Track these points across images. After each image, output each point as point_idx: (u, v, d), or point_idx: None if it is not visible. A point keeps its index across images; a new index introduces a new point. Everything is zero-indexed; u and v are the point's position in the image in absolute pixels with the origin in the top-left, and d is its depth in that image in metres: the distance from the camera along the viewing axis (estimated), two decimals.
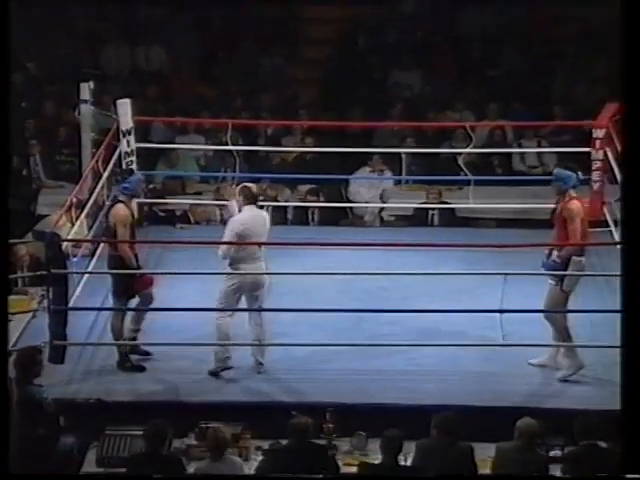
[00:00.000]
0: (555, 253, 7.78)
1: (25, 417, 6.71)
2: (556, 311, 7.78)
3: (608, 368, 7.75)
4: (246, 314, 7.84)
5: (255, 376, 7.81)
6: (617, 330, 7.84)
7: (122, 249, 7.82)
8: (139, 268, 7.99)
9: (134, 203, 8.21)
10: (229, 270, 7.75)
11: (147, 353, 8.04)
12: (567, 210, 7.77)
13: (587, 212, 7.95)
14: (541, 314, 7.81)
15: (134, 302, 7.98)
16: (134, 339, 8.00)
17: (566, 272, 7.75)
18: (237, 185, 8.17)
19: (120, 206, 7.93)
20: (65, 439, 6.95)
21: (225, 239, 7.77)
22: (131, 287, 7.90)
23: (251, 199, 7.88)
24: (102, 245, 9.39)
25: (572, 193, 7.86)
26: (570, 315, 7.82)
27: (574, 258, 7.75)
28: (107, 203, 8.46)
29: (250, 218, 7.83)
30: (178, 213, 11.19)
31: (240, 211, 7.87)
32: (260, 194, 10.53)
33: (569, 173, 7.93)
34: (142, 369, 7.90)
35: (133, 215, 8.03)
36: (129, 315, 8.00)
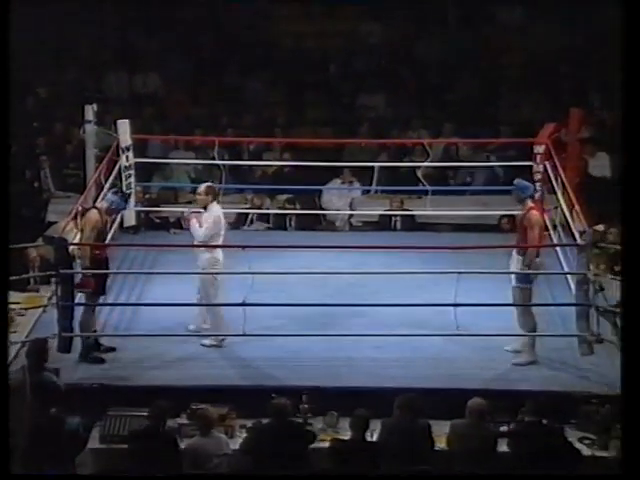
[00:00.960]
0: (520, 260, 7.81)
1: (38, 399, 6.67)
2: (512, 304, 7.82)
3: (547, 354, 7.81)
4: None
5: (240, 363, 7.78)
6: (568, 320, 7.92)
7: (83, 249, 7.72)
8: (107, 269, 7.91)
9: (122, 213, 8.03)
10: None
11: (112, 349, 7.92)
12: (527, 219, 7.83)
13: (544, 220, 7.97)
14: (515, 320, 7.84)
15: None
16: (97, 340, 7.90)
17: (516, 271, 7.82)
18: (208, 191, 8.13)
19: (93, 211, 7.85)
20: (71, 419, 6.92)
21: (208, 226, 7.93)
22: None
23: (216, 197, 8.13)
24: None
25: (529, 203, 7.88)
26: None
27: (535, 260, 7.78)
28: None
29: (220, 212, 8.07)
30: (172, 220, 11.14)
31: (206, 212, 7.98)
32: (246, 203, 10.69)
33: (527, 184, 7.98)
34: (102, 361, 7.77)
35: (105, 223, 7.91)
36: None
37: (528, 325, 7.84)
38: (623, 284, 5.82)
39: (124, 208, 8.11)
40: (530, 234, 7.80)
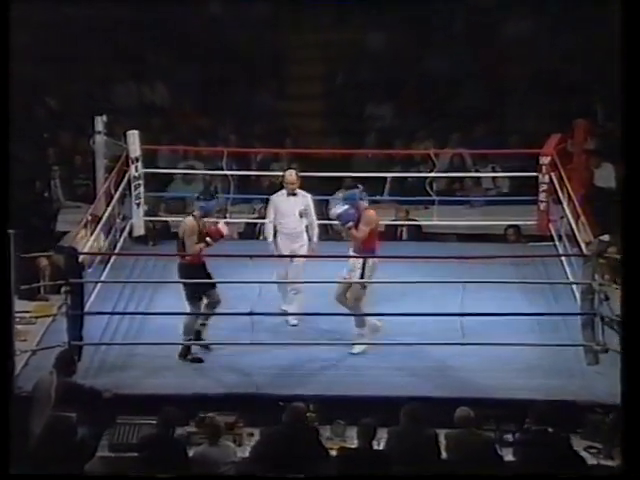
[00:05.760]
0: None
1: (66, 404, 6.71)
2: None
3: (553, 364, 7.82)
4: None
5: (247, 372, 7.81)
6: (560, 330, 7.96)
7: (193, 251, 7.78)
8: (208, 275, 7.93)
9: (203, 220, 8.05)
10: None
11: (206, 347, 8.02)
12: (362, 218, 7.94)
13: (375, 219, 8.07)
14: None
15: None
16: (200, 332, 7.97)
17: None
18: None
19: (189, 218, 7.92)
20: (81, 428, 6.94)
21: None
22: (199, 291, 7.89)
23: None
24: (113, 257, 9.45)
25: (365, 204, 8.00)
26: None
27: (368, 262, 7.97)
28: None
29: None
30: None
31: None
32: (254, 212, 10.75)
33: (352, 192, 8.06)
34: (201, 361, 7.88)
35: (199, 227, 7.93)
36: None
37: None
38: (623, 294, 5.84)
39: (214, 208, 8.10)
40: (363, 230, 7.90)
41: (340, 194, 8.10)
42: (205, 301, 7.99)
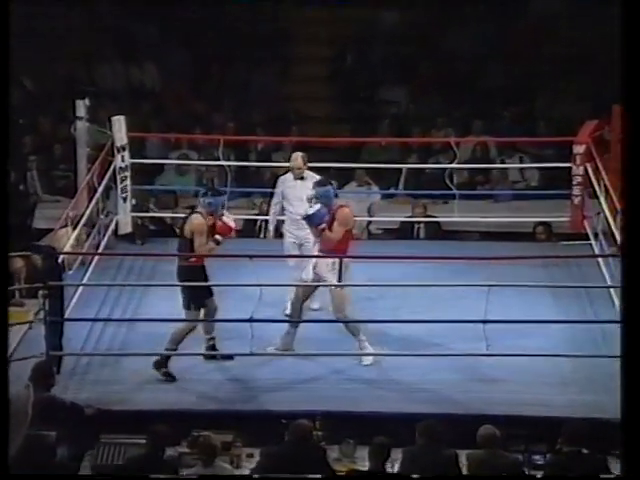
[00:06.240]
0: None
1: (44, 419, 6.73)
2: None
3: (588, 377, 7.81)
4: None
5: (246, 385, 7.82)
6: (596, 340, 7.96)
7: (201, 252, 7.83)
8: (206, 278, 7.97)
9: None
10: None
11: (230, 357, 8.07)
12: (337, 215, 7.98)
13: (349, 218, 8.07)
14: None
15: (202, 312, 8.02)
16: (213, 346, 8.05)
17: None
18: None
19: (197, 216, 7.95)
20: (61, 447, 6.95)
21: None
22: (202, 297, 7.92)
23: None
24: (97, 257, 9.47)
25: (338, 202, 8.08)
26: None
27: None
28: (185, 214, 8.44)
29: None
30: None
31: None
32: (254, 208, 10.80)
33: (325, 189, 8.04)
34: (231, 358, 7.98)
35: (209, 225, 7.97)
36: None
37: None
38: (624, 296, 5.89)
39: (222, 204, 8.12)
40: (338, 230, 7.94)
41: (311, 191, 8.11)
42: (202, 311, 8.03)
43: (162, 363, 7.88)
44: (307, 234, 8.56)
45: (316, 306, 8.67)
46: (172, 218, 11.13)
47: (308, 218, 8.03)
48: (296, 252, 8.79)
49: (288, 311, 8.41)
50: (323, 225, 7.99)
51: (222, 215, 8.01)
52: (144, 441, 6.72)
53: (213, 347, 8.09)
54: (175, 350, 7.90)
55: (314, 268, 8.11)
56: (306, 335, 8.20)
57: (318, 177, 8.68)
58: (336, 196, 8.16)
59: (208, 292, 7.97)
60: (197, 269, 7.93)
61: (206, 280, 7.95)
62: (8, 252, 6.44)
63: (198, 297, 7.93)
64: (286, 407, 7.47)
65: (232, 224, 7.99)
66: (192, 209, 8.18)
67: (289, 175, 8.93)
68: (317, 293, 8.38)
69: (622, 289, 5.97)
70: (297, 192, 8.75)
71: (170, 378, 7.87)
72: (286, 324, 8.12)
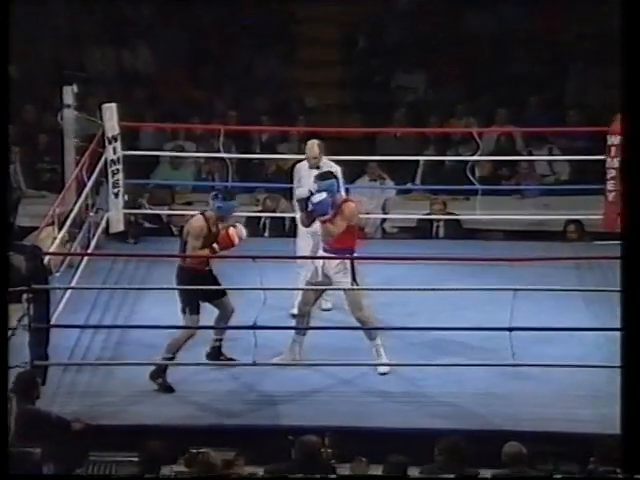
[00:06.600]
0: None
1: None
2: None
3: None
4: None
5: (249, 398, 7.83)
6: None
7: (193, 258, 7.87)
8: (214, 280, 7.99)
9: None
10: None
11: (231, 359, 8.10)
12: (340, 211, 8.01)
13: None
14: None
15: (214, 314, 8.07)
16: (219, 348, 8.09)
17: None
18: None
19: (198, 217, 7.95)
20: (46, 465, 6.95)
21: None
22: (201, 298, 7.93)
23: None
24: (86, 258, 9.48)
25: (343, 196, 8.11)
26: None
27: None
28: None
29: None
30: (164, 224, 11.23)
31: None
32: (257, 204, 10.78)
33: (328, 182, 8.05)
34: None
35: (210, 230, 7.96)
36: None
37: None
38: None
39: (232, 210, 8.15)
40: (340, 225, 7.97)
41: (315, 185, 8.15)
42: (216, 313, 8.05)
43: (159, 373, 7.88)
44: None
45: (328, 306, 8.65)
46: (169, 215, 11.15)
47: (313, 205, 8.02)
48: (310, 247, 8.77)
49: (295, 310, 8.42)
50: (326, 217, 8.00)
51: (233, 225, 7.99)
52: (137, 459, 6.73)
53: (219, 349, 8.09)
54: (172, 359, 7.90)
55: (323, 268, 8.10)
56: (315, 341, 8.20)
57: (335, 166, 8.70)
58: (347, 191, 8.12)
59: (215, 296, 7.97)
60: (197, 274, 7.92)
61: (212, 284, 7.94)
62: (8, 252, 6.50)
63: (192, 302, 7.91)
64: (293, 421, 7.48)
65: (236, 240, 7.93)
66: (203, 211, 8.12)
67: (304, 164, 8.93)
68: (328, 292, 8.39)
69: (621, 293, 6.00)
70: (312, 182, 8.75)
71: (167, 389, 7.86)
72: (292, 331, 8.13)
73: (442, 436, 6.77)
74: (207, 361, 8.11)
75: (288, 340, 8.13)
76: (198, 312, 7.94)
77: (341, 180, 8.61)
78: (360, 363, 8.09)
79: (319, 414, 7.61)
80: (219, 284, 8.02)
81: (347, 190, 8.24)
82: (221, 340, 8.12)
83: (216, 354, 8.13)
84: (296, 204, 8.79)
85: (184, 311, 7.92)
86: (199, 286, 7.90)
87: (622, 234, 6.19)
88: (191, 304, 7.91)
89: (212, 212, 7.98)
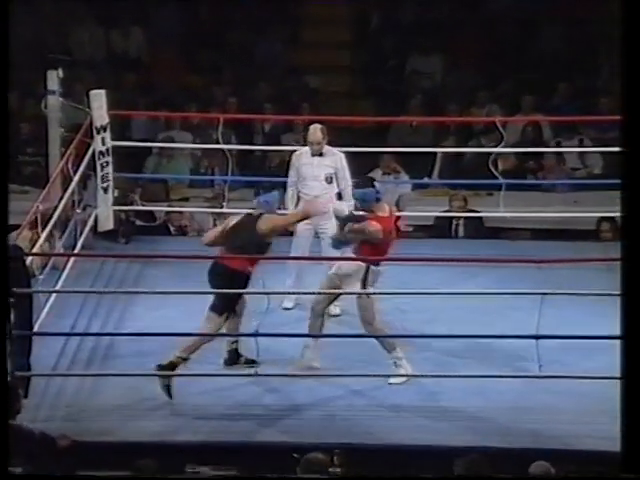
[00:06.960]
0: None
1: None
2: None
3: None
4: None
5: (250, 412, 7.83)
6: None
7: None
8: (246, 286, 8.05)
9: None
10: None
11: (253, 361, 8.12)
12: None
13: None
14: None
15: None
16: (236, 350, 8.13)
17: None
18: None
19: (266, 215, 7.99)
20: None
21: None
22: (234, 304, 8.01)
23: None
24: (72, 259, 9.50)
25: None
26: None
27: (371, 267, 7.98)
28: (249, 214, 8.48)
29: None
30: (159, 222, 11.25)
31: None
32: None
33: (366, 190, 8.04)
34: (254, 362, 8.04)
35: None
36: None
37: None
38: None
39: (277, 198, 8.22)
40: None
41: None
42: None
43: (171, 368, 7.85)
44: (325, 223, 8.55)
45: (336, 311, 8.66)
46: (166, 213, 11.16)
47: (342, 219, 8.02)
48: (309, 245, 8.76)
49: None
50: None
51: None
52: (129, 478, 6.74)
53: (236, 351, 8.13)
54: (186, 360, 7.88)
55: (339, 267, 8.08)
56: (324, 350, 8.21)
57: (339, 153, 8.68)
58: (378, 200, 8.08)
59: (240, 296, 8.06)
60: (242, 275, 7.92)
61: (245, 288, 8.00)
62: (8, 252, 6.51)
63: (232, 306, 7.98)
64: (298, 438, 7.48)
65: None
66: (249, 213, 8.18)
67: (305, 150, 8.92)
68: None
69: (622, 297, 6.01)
70: (314, 170, 8.77)
71: (168, 394, 7.86)
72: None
73: (461, 454, 6.76)
74: (224, 368, 8.13)
75: (297, 346, 8.15)
76: (229, 317, 7.96)
77: (345, 167, 8.69)
78: (372, 375, 8.09)
79: (327, 430, 7.62)
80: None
81: (378, 199, 8.11)
82: (237, 342, 8.14)
83: (234, 357, 8.14)
84: (289, 191, 8.96)
85: (217, 310, 7.92)
86: (239, 289, 7.94)
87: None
88: (229, 308, 7.95)
89: (260, 209, 8.01)
